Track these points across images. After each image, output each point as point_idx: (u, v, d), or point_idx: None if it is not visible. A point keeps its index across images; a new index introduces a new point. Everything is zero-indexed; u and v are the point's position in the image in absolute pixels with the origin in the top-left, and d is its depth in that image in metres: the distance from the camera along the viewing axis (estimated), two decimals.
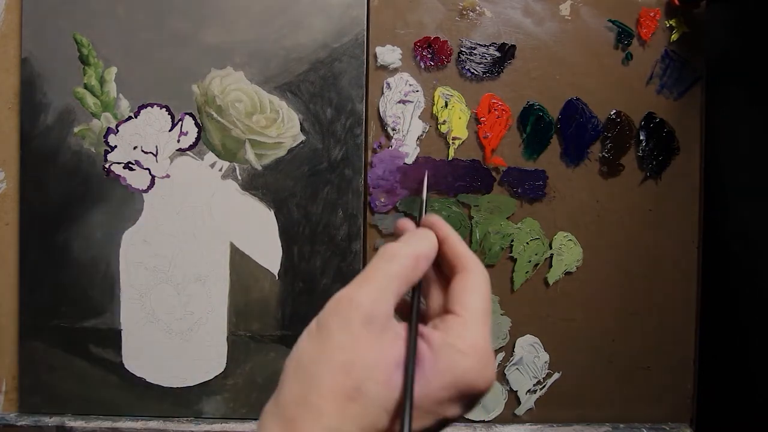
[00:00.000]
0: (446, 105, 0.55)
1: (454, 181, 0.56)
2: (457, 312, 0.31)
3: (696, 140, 0.57)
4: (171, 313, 0.55)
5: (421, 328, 0.30)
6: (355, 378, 0.27)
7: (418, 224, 0.36)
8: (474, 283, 0.33)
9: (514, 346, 0.56)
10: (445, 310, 0.32)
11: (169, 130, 0.55)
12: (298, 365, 0.28)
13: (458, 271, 0.33)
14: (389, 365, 0.28)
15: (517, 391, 0.56)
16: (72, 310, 0.55)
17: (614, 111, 0.56)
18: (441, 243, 0.35)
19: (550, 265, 0.56)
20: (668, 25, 0.56)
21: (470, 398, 0.29)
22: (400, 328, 0.30)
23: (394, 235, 0.36)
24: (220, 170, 0.55)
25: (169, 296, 0.55)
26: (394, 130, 0.55)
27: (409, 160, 0.55)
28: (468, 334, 0.30)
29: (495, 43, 0.55)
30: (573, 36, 0.56)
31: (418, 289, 0.33)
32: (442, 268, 0.35)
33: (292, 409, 0.26)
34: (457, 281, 0.33)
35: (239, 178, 0.55)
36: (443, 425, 0.30)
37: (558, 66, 0.56)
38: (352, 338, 0.28)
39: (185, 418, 0.55)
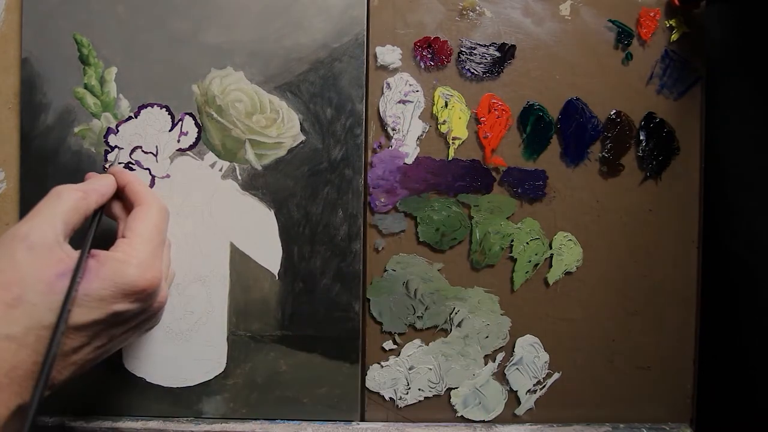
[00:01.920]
0: (446, 105, 0.55)
1: (454, 181, 0.56)
2: (126, 235, 0.41)
3: (696, 140, 0.57)
4: (171, 313, 0.55)
5: (97, 251, 0.39)
6: (14, 291, 0.34)
7: None
8: (143, 213, 0.42)
9: (514, 346, 0.56)
10: (120, 237, 0.41)
11: (169, 130, 0.55)
12: None
13: (135, 206, 0.43)
14: (51, 277, 0.35)
15: (517, 391, 0.56)
16: None
17: (614, 111, 0.56)
18: (123, 187, 0.45)
19: (550, 265, 0.56)
20: (668, 25, 0.56)
21: (137, 295, 0.38)
22: (74, 252, 0.38)
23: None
24: (220, 170, 0.55)
25: (169, 296, 0.55)
26: (394, 130, 0.55)
27: (409, 160, 0.55)
28: (128, 248, 0.39)
29: (495, 43, 0.55)
30: (573, 36, 0.56)
31: (94, 217, 0.42)
32: (128, 207, 0.44)
33: None
34: (132, 213, 0.42)
35: (239, 178, 0.55)
36: (123, 317, 0.39)
37: (558, 66, 0.56)
38: (13, 262, 0.35)
39: (185, 418, 0.55)
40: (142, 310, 0.40)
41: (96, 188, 0.42)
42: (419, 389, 0.56)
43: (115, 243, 0.40)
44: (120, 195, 0.45)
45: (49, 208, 0.38)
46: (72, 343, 0.36)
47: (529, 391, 0.57)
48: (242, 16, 0.55)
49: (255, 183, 0.55)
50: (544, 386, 0.57)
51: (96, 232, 0.41)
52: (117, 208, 0.45)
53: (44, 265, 0.35)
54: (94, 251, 0.38)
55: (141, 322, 0.42)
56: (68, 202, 0.39)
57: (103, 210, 0.44)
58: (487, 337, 0.56)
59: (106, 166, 0.53)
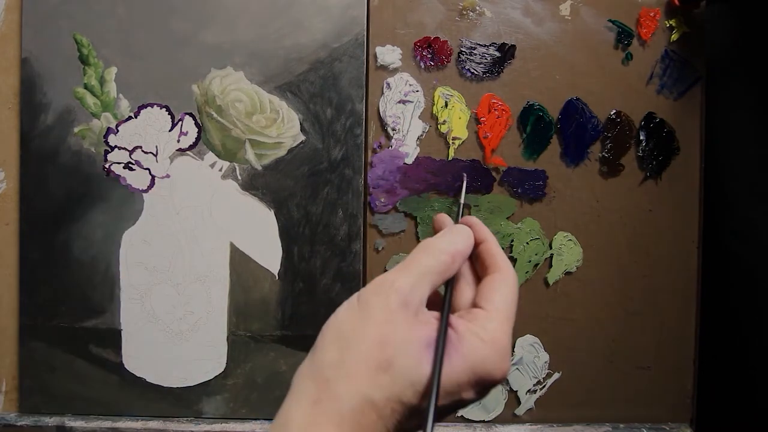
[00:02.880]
0: (446, 105, 0.55)
1: (454, 181, 0.56)
2: (484, 307, 0.34)
3: (696, 140, 0.57)
4: (171, 313, 0.55)
5: (453, 319, 0.33)
6: (387, 352, 0.29)
7: (456, 222, 0.39)
8: (502, 283, 0.36)
9: (514, 346, 0.56)
10: (473, 305, 0.35)
11: (169, 130, 0.55)
12: (338, 333, 0.31)
13: (490, 271, 0.36)
14: (420, 345, 0.30)
15: (517, 391, 0.56)
16: (72, 310, 0.55)
17: (614, 111, 0.56)
18: (478, 243, 0.38)
19: (550, 265, 0.56)
20: (668, 25, 0.56)
21: (485, 385, 0.32)
22: (431, 316, 0.32)
23: (433, 229, 0.40)
24: (220, 170, 0.55)
25: (169, 296, 0.55)
26: (394, 130, 0.55)
27: (409, 160, 0.55)
28: (490, 326, 0.33)
29: (495, 43, 0.55)
30: (573, 36, 0.56)
31: (452, 282, 0.36)
32: (475, 266, 0.38)
33: (328, 371, 0.29)
34: (487, 280, 0.36)
35: (239, 178, 0.55)
36: (458, 407, 0.32)
37: (558, 66, 0.56)
38: (389, 316, 0.30)
39: (185, 418, 0.55)
40: (475, 400, 0.33)
41: (463, 253, 0.36)
42: None
43: (469, 312, 0.34)
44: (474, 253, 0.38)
45: (423, 267, 0.33)
46: (410, 425, 0.30)
47: (529, 391, 0.56)
48: (242, 16, 0.55)
49: (255, 183, 0.55)
50: (544, 386, 0.57)
51: (452, 298, 0.36)
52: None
53: (415, 329, 0.30)
54: (450, 319, 0.33)
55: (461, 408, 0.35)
56: (439, 265, 0.34)
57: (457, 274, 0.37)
58: None
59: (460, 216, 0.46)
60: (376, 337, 0.30)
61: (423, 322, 0.31)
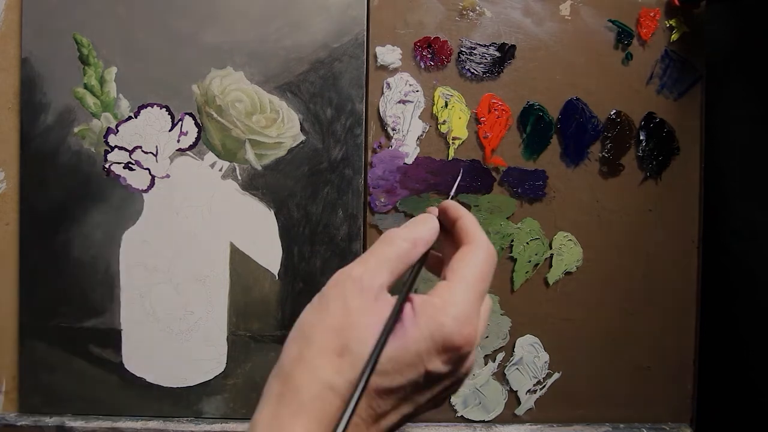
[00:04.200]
0: (446, 105, 0.55)
1: (453, 181, 0.56)
2: (447, 277, 0.35)
3: (696, 140, 0.57)
4: (171, 313, 0.55)
5: (412, 295, 0.34)
6: (344, 338, 0.31)
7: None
8: (470, 255, 0.36)
9: (514, 346, 0.56)
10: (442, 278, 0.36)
11: (169, 130, 0.55)
12: (299, 331, 0.32)
13: (462, 245, 0.37)
14: (377, 328, 0.31)
15: (517, 391, 0.56)
16: (72, 310, 0.55)
17: (614, 111, 0.56)
18: (454, 221, 0.39)
19: (550, 265, 0.56)
20: (668, 25, 0.56)
21: (450, 353, 0.32)
22: (393, 300, 0.33)
23: None
24: (220, 170, 0.55)
25: (169, 296, 0.55)
26: (394, 130, 0.55)
27: (409, 160, 0.55)
28: (448, 295, 0.33)
29: (495, 43, 0.55)
30: (573, 36, 0.56)
31: (416, 266, 0.37)
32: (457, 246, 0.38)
33: (289, 366, 0.30)
34: (457, 253, 0.37)
35: (239, 178, 0.55)
36: (432, 380, 0.33)
37: (558, 66, 0.56)
38: (345, 306, 0.32)
39: (185, 418, 0.55)
40: (449, 374, 0.33)
41: (424, 238, 0.37)
42: None
43: (435, 286, 0.35)
44: (448, 229, 0.40)
45: (381, 255, 0.34)
46: (384, 406, 0.31)
47: (529, 391, 0.56)
48: (242, 16, 0.55)
49: (255, 183, 0.55)
50: (544, 386, 0.57)
51: (416, 281, 0.37)
52: (445, 244, 0.40)
53: (372, 314, 0.32)
54: (411, 296, 0.34)
55: (444, 390, 0.35)
56: (398, 251, 0.35)
57: (425, 259, 0.38)
58: (487, 337, 0.56)
59: (451, 194, 0.49)
60: (332, 326, 0.31)
61: (382, 307, 0.32)
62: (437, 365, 0.32)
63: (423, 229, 0.38)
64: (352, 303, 0.32)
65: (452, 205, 0.40)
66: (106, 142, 0.54)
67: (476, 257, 0.36)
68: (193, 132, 0.55)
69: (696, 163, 0.57)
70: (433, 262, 0.41)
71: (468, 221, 0.39)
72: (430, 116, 0.56)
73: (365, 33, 0.55)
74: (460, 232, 0.38)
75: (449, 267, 0.36)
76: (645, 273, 0.57)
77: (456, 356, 0.33)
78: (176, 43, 0.55)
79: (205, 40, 0.55)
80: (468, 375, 0.36)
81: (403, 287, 0.35)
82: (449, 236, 0.39)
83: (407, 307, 0.33)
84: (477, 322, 0.34)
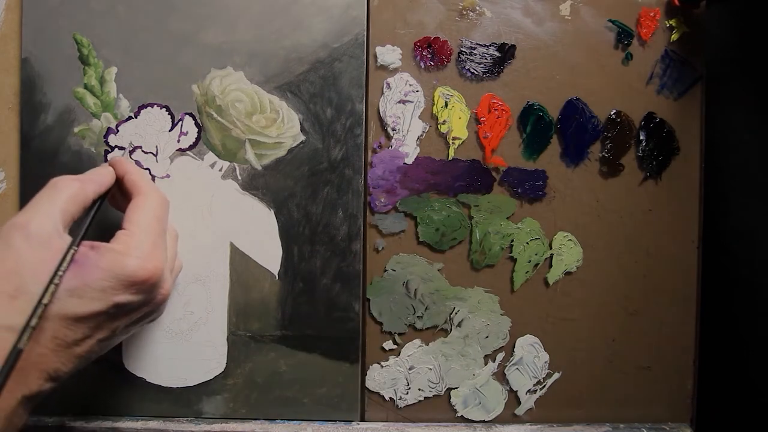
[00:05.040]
0: (446, 105, 0.55)
1: (453, 181, 0.56)
2: (125, 226, 0.40)
3: (696, 140, 0.57)
4: (171, 313, 0.55)
5: (97, 243, 0.38)
6: (15, 281, 0.34)
7: None
8: (141, 204, 0.41)
9: (514, 346, 0.56)
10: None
11: (169, 130, 0.55)
12: None
13: (133, 196, 0.42)
14: (50, 266, 0.35)
15: (517, 391, 0.56)
16: None
17: (614, 111, 0.56)
18: (121, 176, 0.44)
19: (550, 265, 0.56)
20: (668, 25, 0.56)
21: (138, 286, 0.37)
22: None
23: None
24: (220, 170, 0.55)
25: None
26: (394, 130, 0.55)
27: (409, 160, 0.55)
28: (127, 239, 0.39)
29: (495, 43, 0.55)
30: (573, 36, 0.56)
31: (92, 207, 0.42)
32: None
33: None
34: (130, 204, 0.42)
35: (239, 178, 0.55)
36: (126, 309, 0.38)
37: (558, 66, 0.56)
38: (13, 252, 0.35)
39: (185, 418, 0.55)
40: (144, 302, 0.39)
41: (93, 178, 0.42)
42: (419, 389, 0.56)
43: (115, 235, 0.40)
44: (122, 187, 0.45)
45: (46, 199, 0.38)
46: (74, 335, 0.36)
47: (529, 391, 0.56)
48: (242, 16, 0.55)
49: (255, 183, 0.55)
50: (544, 386, 0.57)
51: (93, 221, 0.41)
52: (122, 200, 0.45)
53: (43, 255, 0.35)
54: (93, 243, 0.38)
55: (144, 315, 0.41)
56: (66, 192, 0.39)
57: (103, 200, 0.43)
58: (487, 337, 0.56)
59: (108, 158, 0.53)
60: (3, 271, 0.34)
61: (57, 247, 0.36)
62: (127, 297, 0.37)
63: (92, 172, 0.43)
64: (20, 248, 0.35)
65: (117, 161, 0.45)
66: (106, 142, 0.54)
67: (147, 204, 0.41)
68: (193, 132, 0.55)
69: (696, 163, 0.57)
70: (116, 205, 0.46)
71: (135, 175, 0.44)
72: (430, 116, 0.56)
73: (365, 33, 0.55)
74: (130, 186, 0.43)
75: (125, 218, 0.40)
76: (645, 273, 0.57)
77: (145, 287, 0.38)
78: (176, 43, 0.55)
79: (205, 40, 0.55)
80: (167, 297, 0.42)
81: (79, 228, 0.38)
82: (125, 194, 0.44)
83: (91, 252, 0.37)
84: (161, 255, 0.40)
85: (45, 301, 0.34)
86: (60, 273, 0.35)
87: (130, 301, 0.38)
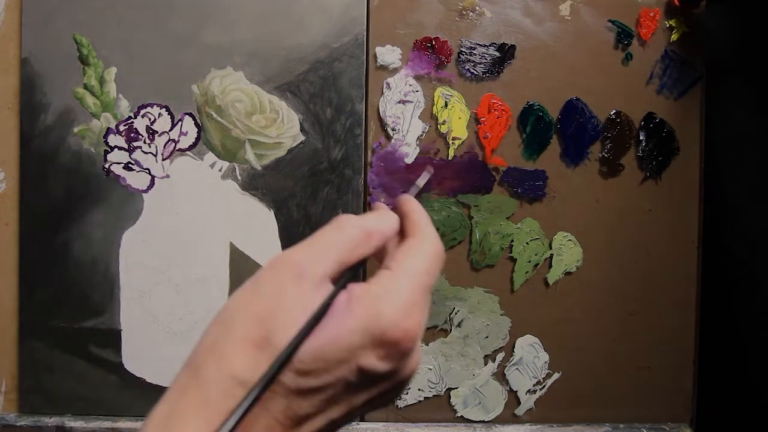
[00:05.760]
0: (446, 105, 0.55)
1: (453, 181, 0.55)
2: (389, 266, 0.31)
3: (696, 140, 0.57)
4: (171, 313, 0.55)
5: (351, 285, 0.30)
6: (267, 328, 0.27)
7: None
8: (415, 247, 0.33)
9: (514, 346, 0.56)
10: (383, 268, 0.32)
11: (169, 130, 0.55)
12: (223, 315, 0.28)
13: (408, 237, 0.34)
14: (305, 317, 0.27)
15: (517, 391, 0.56)
16: (72, 310, 0.55)
17: (614, 111, 0.56)
18: (404, 215, 0.36)
19: (550, 265, 0.56)
20: (668, 25, 0.56)
21: (388, 348, 0.28)
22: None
23: None
24: (220, 170, 0.55)
25: (169, 296, 0.55)
26: (393, 130, 0.55)
27: (409, 160, 0.55)
28: (391, 283, 0.30)
29: (495, 43, 0.55)
30: (573, 36, 0.56)
31: (362, 262, 0.33)
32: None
33: (200, 356, 0.27)
34: (403, 245, 0.33)
35: (239, 178, 0.55)
36: (367, 379, 0.29)
37: (558, 66, 0.56)
38: (278, 291, 0.28)
39: None
40: (389, 374, 0.30)
41: (381, 230, 0.34)
42: (419, 389, 0.56)
43: (376, 273, 0.31)
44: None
45: (329, 242, 0.31)
46: (308, 407, 0.28)
47: (529, 391, 0.56)
48: (242, 16, 0.55)
49: (255, 183, 0.55)
50: (544, 386, 0.57)
51: (358, 273, 0.34)
52: (391, 241, 0.36)
53: (307, 304, 0.28)
54: (351, 286, 0.31)
55: (386, 393, 0.31)
56: (347, 239, 0.32)
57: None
58: (487, 337, 0.56)
59: (414, 188, 0.44)
60: (257, 313, 0.27)
61: (319, 296, 0.28)
62: (372, 362, 0.28)
63: (381, 220, 0.34)
64: (285, 290, 0.28)
65: (406, 198, 0.37)
66: (106, 142, 0.54)
67: (423, 250, 0.33)
68: (193, 132, 0.55)
69: (696, 163, 0.57)
70: (377, 253, 0.36)
71: (419, 214, 0.36)
72: (430, 116, 0.56)
73: (365, 33, 0.55)
74: (409, 224, 0.35)
75: (393, 257, 0.32)
76: (645, 273, 0.57)
77: (395, 352, 0.29)
78: (176, 43, 0.55)
79: (205, 40, 0.55)
80: (412, 377, 0.32)
81: (341, 277, 0.31)
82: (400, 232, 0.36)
83: (342, 296, 0.29)
84: (420, 317, 0.31)
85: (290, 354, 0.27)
86: (313, 324, 0.28)
87: (374, 369, 0.28)
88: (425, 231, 0.34)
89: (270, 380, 0.26)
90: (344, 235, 0.31)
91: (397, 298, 0.29)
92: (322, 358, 0.27)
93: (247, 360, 0.26)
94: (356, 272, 0.32)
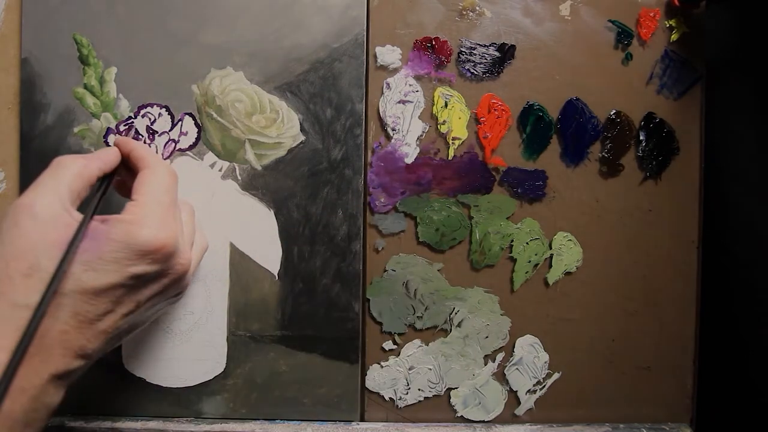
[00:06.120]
0: (446, 105, 0.55)
1: (453, 181, 0.56)
2: (134, 198, 0.40)
3: (696, 140, 0.57)
4: (170, 313, 0.55)
5: (107, 216, 0.38)
6: (26, 260, 0.34)
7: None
8: (149, 176, 0.41)
9: (514, 346, 0.56)
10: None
11: (169, 130, 0.55)
12: None
13: (140, 170, 0.42)
14: (61, 242, 0.35)
15: (517, 391, 0.56)
16: None
17: (614, 111, 0.56)
18: (126, 154, 0.44)
19: (550, 265, 0.56)
20: (668, 25, 0.56)
21: (152, 255, 0.37)
22: (81, 217, 0.37)
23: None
24: (220, 170, 0.55)
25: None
26: (393, 130, 0.55)
27: (409, 160, 0.55)
28: (137, 209, 0.38)
29: (495, 43, 0.55)
30: (573, 36, 0.56)
31: (100, 185, 0.42)
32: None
33: None
34: (137, 178, 0.42)
35: (239, 178, 0.55)
36: (144, 280, 0.38)
37: (558, 66, 0.56)
38: (20, 231, 0.35)
39: (185, 418, 0.55)
40: (162, 272, 0.39)
41: (97, 156, 0.42)
42: (419, 389, 0.56)
43: (125, 207, 0.39)
44: (130, 167, 0.44)
45: (51, 177, 0.38)
46: (95, 309, 0.36)
47: (529, 391, 0.56)
48: (242, 16, 0.55)
49: (255, 183, 0.55)
50: (544, 386, 0.57)
51: (102, 198, 0.41)
52: (131, 181, 0.44)
53: (53, 232, 0.35)
54: (104, 216, 0.38)
55: (166, 287, 0.41)
56: (70, 170, 0.38)
57: (111, 179, 0.43)
58: (487, 337, 0.56)
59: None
60: (12, 252, 0.34)
61: (64, 225, 0.36)
62: (142, 267, 0.37)
63: (97, 152, 0.43)
64: (27, 228, 0.34)
65: (121, 140, 0.45)
66: (106, 143, 0.54)
67: (154, 176, 0.41)
68: (192, 132, 0.55)
69: (696, 163, 0.57)
70: (124, 192, 0.46)
71: (141, 149, 0.44)
72: (430, 116, 0.56)
73: (365, 33, 0.55)
74: (136, 161, 0.43)
75: (134, 190, 0.40)
76: (645, 273, 0.57)
77: (160, 257, 0.37)
78: (176, 43, 0.55)
79: (205, 40, 0.55)
80: (187, 268, 0.41)
81: (88, 206, 0.38)
82: (131, 170, 0.44)
83: (102, 225, 0.37)
84: (173, 224, 0.39)
85: (59, 275, 0.34)
86: (73, 248, 0.35)
87: (147, 272, 0.37)
88: (150, 160, 0.43)
89: (51, 295, 0.33)
90: (62, 169, 0.38)
91: (147, 218, 0.38)
92: (95, 270, 0.35)
93: (21, 288, 0.33)
94: (100, 197, 0.41)
